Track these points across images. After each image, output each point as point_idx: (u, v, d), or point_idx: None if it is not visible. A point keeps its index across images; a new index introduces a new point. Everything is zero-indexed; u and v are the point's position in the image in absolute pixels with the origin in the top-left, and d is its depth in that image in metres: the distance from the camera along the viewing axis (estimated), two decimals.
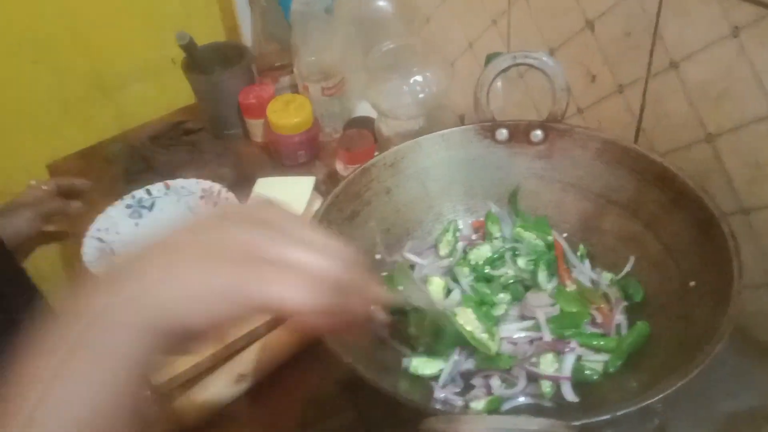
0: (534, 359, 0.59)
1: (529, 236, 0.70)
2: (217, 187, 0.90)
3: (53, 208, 0.84)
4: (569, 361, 0.58)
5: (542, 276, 0.67)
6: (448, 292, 0.67)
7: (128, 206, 0.88)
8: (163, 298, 0.35)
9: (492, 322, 0.61)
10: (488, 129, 0.72)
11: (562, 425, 0.40)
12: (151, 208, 0.89)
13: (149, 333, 0.35)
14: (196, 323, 0.36)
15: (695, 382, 0.66)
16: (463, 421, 0.40)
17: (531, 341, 0.62)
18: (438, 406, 0.57)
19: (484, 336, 0.59)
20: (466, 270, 0.69)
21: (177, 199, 0.91)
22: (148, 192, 0.90)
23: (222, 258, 0.35)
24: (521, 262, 0.68)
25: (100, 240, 0.83)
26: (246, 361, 0.73)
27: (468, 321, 0.59)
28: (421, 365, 0.60)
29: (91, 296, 0.36)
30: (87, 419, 0.34)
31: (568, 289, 0.65)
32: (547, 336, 0.61)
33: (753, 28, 0.60)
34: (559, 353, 0.59)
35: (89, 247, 0.81)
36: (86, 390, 0.34)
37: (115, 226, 0.85)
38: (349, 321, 0.39)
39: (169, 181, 0.91)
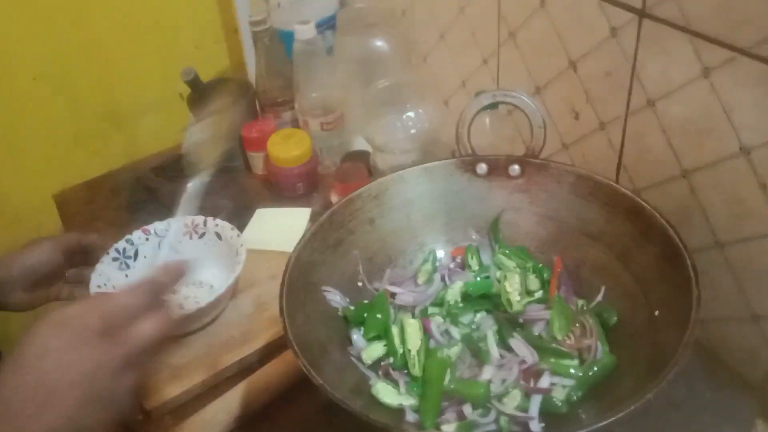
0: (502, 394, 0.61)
1: (509, 263, 0.72)
2: (201, 218, 0.91)
3: (73, 241, 0.85)
4: (536, 402, 0.60)
5: (533, 282, 0.70)
6: (424, 331, 0.68)
7: (114, 259, 0.88)
8: None
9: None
10: (469, 163, 0.75)
11: None
12: (135, 257, 0.90)
13: None
14: None
15: (675, 414, 0.68)
16: None
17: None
18: (411, 429, 0.58)
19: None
20: (438, 318, 0.70)
21: (159, 243, 0.91)
22: (129, 242, 0.90)
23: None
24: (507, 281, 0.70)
25: None
26: (238, 397, 0.74)
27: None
28: (386, 392, 0.61)
29: None
30: None
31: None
32: (532, 357, 0.63)
33: (722, 68, 0.63)
34: (528, 394, 0.61)
35: None
36: None
37: (110, 281, 0.85)
38: None
39: (146, 227, 0.91)
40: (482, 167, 0.74)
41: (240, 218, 1.01)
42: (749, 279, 0.68)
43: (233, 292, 0.88)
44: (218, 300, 0.82)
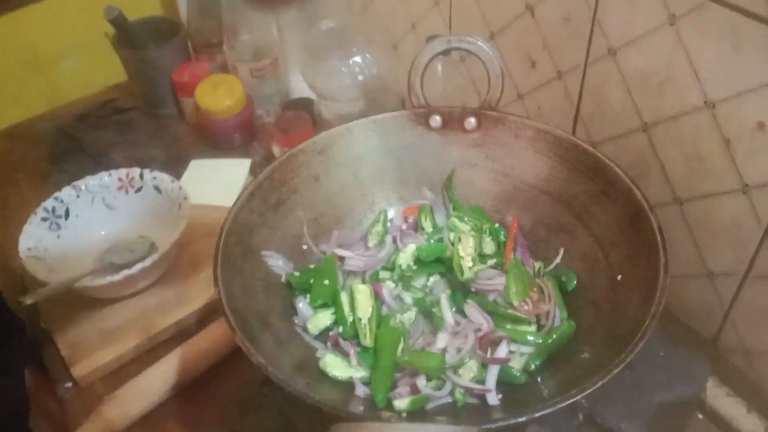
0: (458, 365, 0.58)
1: (464, 227, 0.68)
2: (136, 170, 0.85)
3: None
4: (494, 372, 0.57)
5: (488, 245, 0.67)
6: (375, 297, 0.64)
7: (44, 219, 0.80)
8: None
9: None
10: (422, 115, 0.70)
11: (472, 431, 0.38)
12: (66, 216, 0.82)
13: None
14: None
15: (627, 374, 0.67)
16: (369, 428, 0.38)
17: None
18: (360, 405, 0.55)
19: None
20: (390, 284, 0.66)
21: (91, 199, 0.84)
22: (59, 199, 0.82)
23: None
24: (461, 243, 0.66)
25: (37, 258, 0.76)
26: (175, 365, 0.70)
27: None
28: (334, 365, 0.58)
29: None
30: None
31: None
32: (488, 324, 0.60)
33: (689, 16, 0.59)
34: (485, 365, 0.57)
35: (33, 266, 0.74)
36: None
37: (41, 242, 0.78)
38: None
39: (75, 182, 0.83)
40: (436, 120, 0.69)
41: (173, 170, 0.93)
42: (706, 236, 0.67)
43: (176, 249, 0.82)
44: (162, 258, 0.76)
